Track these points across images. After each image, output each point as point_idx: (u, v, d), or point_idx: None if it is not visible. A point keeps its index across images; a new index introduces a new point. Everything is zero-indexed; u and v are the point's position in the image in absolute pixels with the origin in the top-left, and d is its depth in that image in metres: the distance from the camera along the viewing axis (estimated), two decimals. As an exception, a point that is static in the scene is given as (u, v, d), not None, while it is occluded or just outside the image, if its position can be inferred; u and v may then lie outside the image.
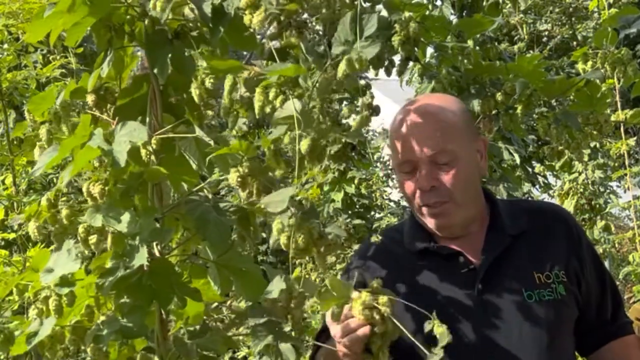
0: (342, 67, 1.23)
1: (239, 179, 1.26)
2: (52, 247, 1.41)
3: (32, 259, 1.47)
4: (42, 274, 1.36)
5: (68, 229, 1.36)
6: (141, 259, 1.26)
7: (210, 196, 1.42)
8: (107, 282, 1.27)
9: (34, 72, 3.26)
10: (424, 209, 1.58)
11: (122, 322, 1.33)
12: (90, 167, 1.38)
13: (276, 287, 1.33)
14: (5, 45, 3.10)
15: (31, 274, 1.44)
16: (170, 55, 1.34)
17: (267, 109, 1.26)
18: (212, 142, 1.33)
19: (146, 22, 1.35)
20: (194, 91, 1.32)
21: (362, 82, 1.45)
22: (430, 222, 1.59)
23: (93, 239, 1.31)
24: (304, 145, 1.22)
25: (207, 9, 1.29)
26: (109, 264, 1.30)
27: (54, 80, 3.27)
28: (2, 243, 3.41)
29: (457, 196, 1.55)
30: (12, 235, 3.04)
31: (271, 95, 1.25)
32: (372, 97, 1.44)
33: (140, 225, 1.28)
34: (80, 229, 1.32)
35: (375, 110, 1.44)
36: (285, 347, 1.31)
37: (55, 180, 4.03)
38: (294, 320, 1.37)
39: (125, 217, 1.29)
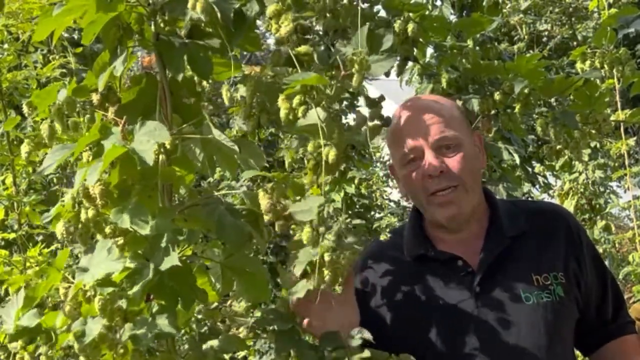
0: (356, 75, 1.24)
1: (272, 206, 1.27)
2: (54, 246, 1.40)
3: (57, 259, 1.45)
4: (78, 273, 1.33)
5: (91, 229, 1.35)
6: (172, 260, 1.25)
7: (222, 198, 1.43)
8: (137, 284, 1.27)
9: (34, 72, 3.26)
10: (434, 199, 1.57)
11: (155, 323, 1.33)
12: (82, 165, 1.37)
13: (300, 288, 1.34)
14: (6, 45, 3.11)
15: (55, 274, 1.44)
16: (186, 56, 1.35)
17: (291, 116, 1.27)
18: (236, 147, 1.33)
19: (159, 22, 1.35)
20: (225, 94, 1.32)
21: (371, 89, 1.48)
22: (439, 213, 1.58)
23: (120, 239, 1.30)
24: (331, 155, 1.23)
25: (230, 12, 1.30)
26: (130, 265, 1.30)
27: (54, 80, 3.28)
28: (2, 243, 3.41)
29: (465, 180, 1.56)
30: (12, 235, 3.05)
31: (295, 102, 1.26)
32: (382, 107, 1.45)
33: (157, 226, 1.28)
34: (107, 230, 1.31)
35: (386, 121, 1.45)
36: (310, 353, 1.32)
37: (55, 180, 4.03)
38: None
39: (150, 218, 1.28)
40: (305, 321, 1.42)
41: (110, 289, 1.31)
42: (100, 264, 1.33)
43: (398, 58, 1.69)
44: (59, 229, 1.35)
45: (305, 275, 1.32)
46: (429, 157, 1.55)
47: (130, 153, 1.25)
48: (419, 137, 1.56)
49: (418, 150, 1.56)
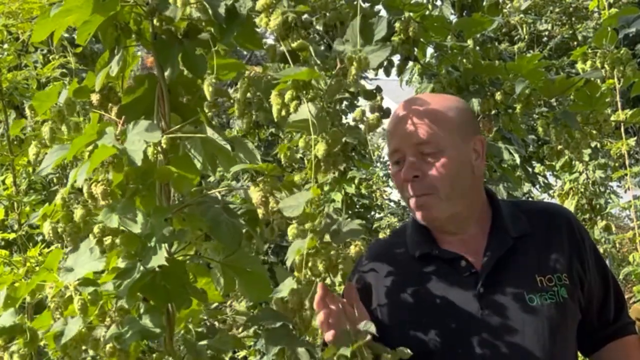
0: (352, 70, 1.24)
1: (262, 199, 1.27)
2: (54, 245, 1.40)
3: (47, 259, 1.45)
4: (62, 273, 1.34)
5: (82, 228, 1.35)
6: (159, 259, 1.25)
7: (220, 197, 1.42)
8: (124, 283, 1.27)
9: (34, 72, 3.26)
10: (411, 201, 1.59)
11: (141, 322, 1.33)
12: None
13: (286, 287, 1.33)
14: (5, 45, 3.10)
15: (45, 274, 1.44)
16: (180, 54, 1.34)
17: (284, 112, 1.26)
18: (228, 146, 1.33)
19: (155, 21, 1.35)
20: (207, 89, 1.31)
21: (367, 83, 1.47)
22: (417, 216, 1.60)
23: (108, 239, 1.31)
24: (320, 149, 1.22)
25: (222, 9, 1.29)
26: (121, 264, 1.30)
27: (54, 80, 3.27)
28: (2, 243, 3.40)
29: (440, 189, 1.55)
30: (12, 235, 3.04)
31: (287, 97, 1.25)
32: (382, 99, 1.45)
33: (151, 225, 1.27)
34: (96, 229, 1.31)
35: (386, 113, 1.45)
36: (301, 351, 1.31)
37: (55, 180, 4.03)
38: (304, 323, 1.38)
39: (139, 217, 1.28)
40: (322, 318, 1.38)
41: (91, 289, 1.31)
42: (85, 264, 1.33)
43: (398, 56, 1.68)
44: (46, 228, 1.35)
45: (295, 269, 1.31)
46: (407, 161, 1.56)
47: (119, 153, 1.25)
48: (402, 139, 1.57)
49: (401, 153, 1.58)
